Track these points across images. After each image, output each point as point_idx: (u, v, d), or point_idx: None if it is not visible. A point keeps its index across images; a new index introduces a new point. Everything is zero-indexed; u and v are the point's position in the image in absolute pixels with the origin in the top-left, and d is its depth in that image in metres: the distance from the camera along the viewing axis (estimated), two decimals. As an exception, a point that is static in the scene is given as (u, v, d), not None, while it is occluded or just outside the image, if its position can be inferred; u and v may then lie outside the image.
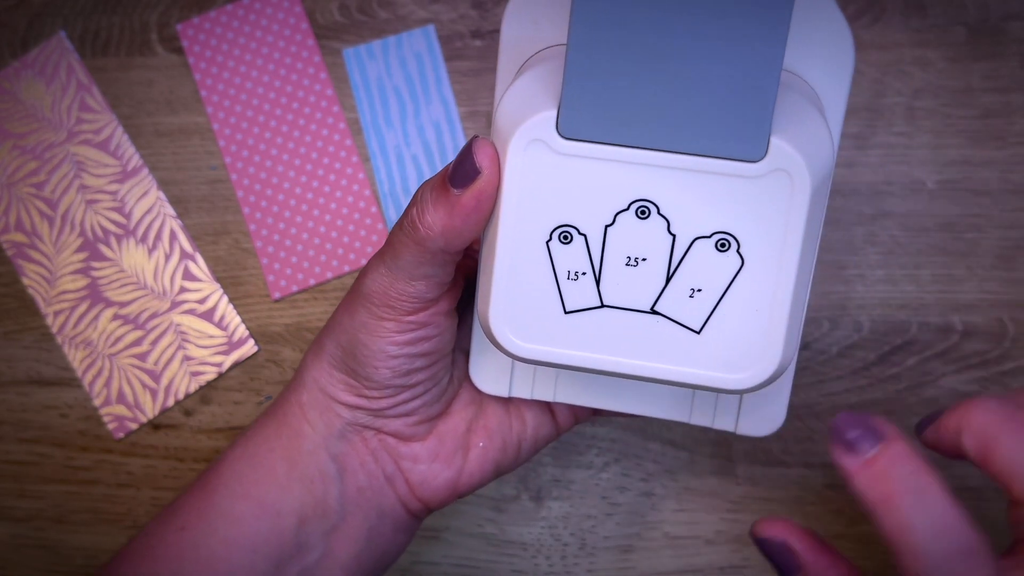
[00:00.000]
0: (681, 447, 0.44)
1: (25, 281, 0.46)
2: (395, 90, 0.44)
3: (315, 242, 0.44)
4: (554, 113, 0.27)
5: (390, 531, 0.36)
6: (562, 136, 0.27)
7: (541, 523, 0.45)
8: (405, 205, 0.44)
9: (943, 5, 0.42)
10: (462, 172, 0.29)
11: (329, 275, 0.45)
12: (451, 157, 0.44)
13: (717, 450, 0.44)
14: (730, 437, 0.44)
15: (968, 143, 0.42)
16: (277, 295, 0.45)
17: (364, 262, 0.44)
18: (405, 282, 0.32)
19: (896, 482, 0.26)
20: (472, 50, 0.44)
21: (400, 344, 0.33)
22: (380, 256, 0.32)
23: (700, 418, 0.35)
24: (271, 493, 0.34)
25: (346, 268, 0.44)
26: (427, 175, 0.44)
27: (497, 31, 0.44)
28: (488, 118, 0.44)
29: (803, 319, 0.30)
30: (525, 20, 0.31)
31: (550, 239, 0.29)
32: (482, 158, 0.28)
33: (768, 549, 0.30)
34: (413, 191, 0.44)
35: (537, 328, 0.30)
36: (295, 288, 0.45)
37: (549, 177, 0.28)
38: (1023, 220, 0.42)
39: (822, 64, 0.30)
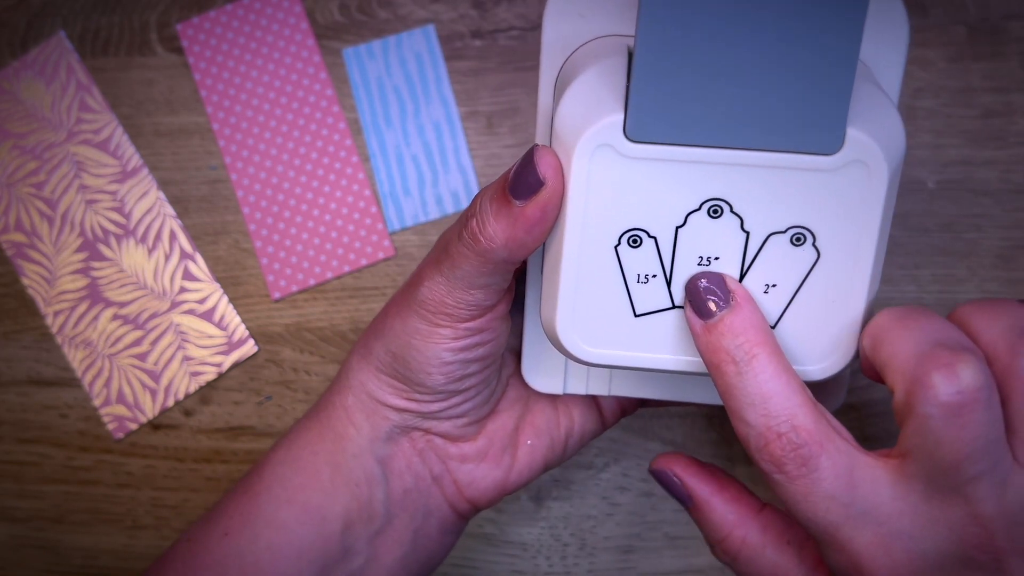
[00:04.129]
0: (681, 447, 0.44)
1: (25, 281, 0.46)
2: (395, 90, 0.44)
3: (315, 242, 0.44)
4: (620, 117, 0.27)
5: (436, 532, 0.36)
6: (630, 139, 0.27)
7: (541, 523, 0.45)
8: (405, 205, 0.44)
9: (943, 5, 0.42)
10: (524, 183, 0.28)
11: (329, 275, 0.45)
12: (451, 157, 0.44)
13: (717, 450, 0.44)
14: (730, 437, 0.44)
15: (968, 143, 0.42)
16: (277, 295, 0.45)
17: (364, 262, 0.44)
18: (464, 291, 0.31)
19: (725, 351, 0.27)
20: (472, 50, 0.44)
21: (455, 350, 0.32)
22: (436, 264, 0.31)
23: None
24: (316, 498, 0.34)
25: (346, 268, 0.44)
26: (427, 175, 0.44)
27: (497, 31, 0.44)
28: (488, 118, 0.44)
29: (873, 308, 0.30)
30: (570, 11, 0.30)
31: (618, 243, 0.28)
32: (545, 168, 0.28)
33: (660, 480, 0.32)
34: (413, 191, 0.44)
35: (606, 333, 0.29)
36: (295, 288, 0.45)
37: (617, 182, 0.27)
38: (1023, 220, 0.42)
39: (877, 43, 0.30)
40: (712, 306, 0.28)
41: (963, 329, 0.27)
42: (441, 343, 0.32)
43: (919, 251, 0.42)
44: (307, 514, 0.34)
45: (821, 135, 0.26)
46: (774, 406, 0.26)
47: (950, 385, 0.24)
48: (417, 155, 0.44)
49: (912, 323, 0.26)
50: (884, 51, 0.30)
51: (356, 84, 0.44)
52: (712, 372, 0.28)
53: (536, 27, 0.43)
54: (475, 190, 0.44)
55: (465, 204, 0.44)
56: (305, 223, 0.44)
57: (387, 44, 0.44)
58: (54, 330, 0.46)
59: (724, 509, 0.31)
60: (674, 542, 0.44)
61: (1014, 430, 0.25)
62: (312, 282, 0.45)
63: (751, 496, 0.31)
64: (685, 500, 0.32)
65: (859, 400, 0.43)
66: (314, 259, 0.45)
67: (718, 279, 0.28)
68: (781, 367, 0.27)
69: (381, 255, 0.44)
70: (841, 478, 0.26)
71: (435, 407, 0.34)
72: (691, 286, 0.28)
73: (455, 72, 0.44)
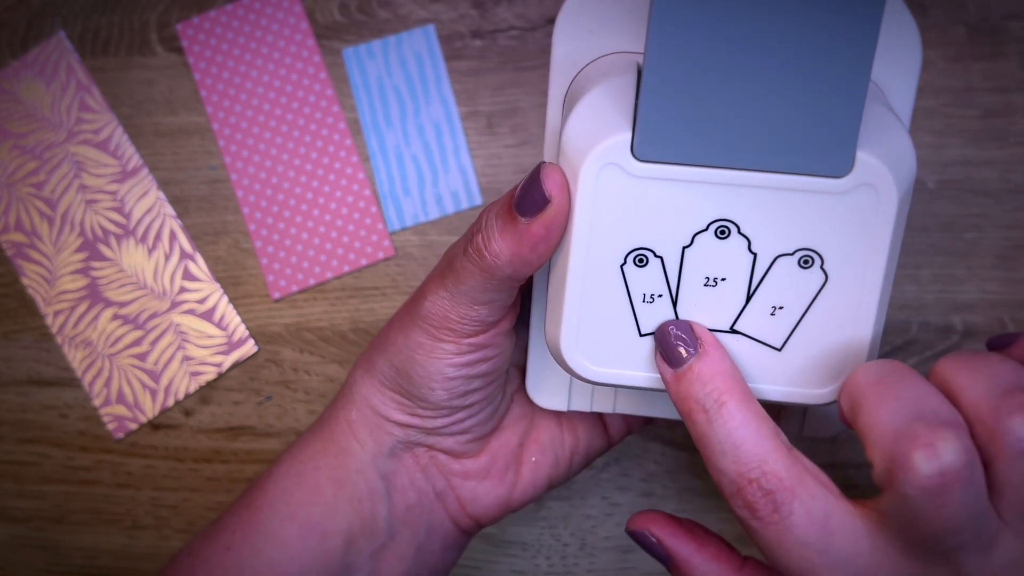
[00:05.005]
0: (682, 447, 0.44)
1: (25, 281, 0.46)
2: (395, 90, 0.44)
3: (315, 242, 0.44)
4: (628, 136, 0.26)
5: (439, 548, 0.36)
6: (637, 159, 0.27)
7: (541, 523, 0.45)
8: (405, 205, 0.44)
9: (943, 5, 0.42)
10: (530, 200, 0.28)
11: (329, 275, 0.45)
12: (451, 157, 0.44)
13: (717, 450, 0.44)
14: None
15: (968, 143, 0.42)
16: (277, 295, 0.45)
17: (364, 262, 0.44)
18: (467, 307, 0.31)
19: (695, 400, 0.27)
20: (472, 50, 0.44)
21: (458, 366, 0.32)
22: (440, 279, 0.31)
23: None
24: (318, 514, 0.34)
25: (346, 268, 0.44)
26: (427, 175, 0.44)
27: (497, 31, 0.44)
28: (488, 118, 0.44)
29: (883, 329, 0.29)
30: (580, 28, 0.30)
31: (624, 263, 0.28)
32: (551, 186, 0.27)
33: (638, 540, 0.32)
34: (413, 191, 0.44)
35: (611, 352, 0.29)
36: (295, 288, 0.45)
37: (623, 201, 0.27)
38: (1023, 220, 0.42)
39: (889, 63, 0.30)
40: (681, 352, 0.28)
41: (944, 389, 0.26)
42: (444, 358, 0.32)
43: (919, 251, 0.42)
44: (309, 530, 0.34)
45: (831, 158, 0.26)
46: (744, 452, 0.26)
47: (930, 466, 0.24)
48: (417, 155, 0.44)
49: (890, 389, 0.26)
50: (897, 72, 0.30)
51: (356, 84, 0.44)
52: (685, 421, 0.28)
53: (536, 27, 0.43)
54: (475, 190, 0.44)
55: (465, 204, 0.44)
56: (305, 223, 0.44)
57: (387, 44, 0.44)
58: (54, 330, 0.46)
59: (705, 568, 0.31)
60: (674, 542, 0.44)
61: (998, 490, 0.25)
62: (312, 282, 0.45)
63: (731, 551, 0.31)
64: (664, 560, 0.31)
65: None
66: (314, 259, 0.45)
67: (686, 326, 0.28)
68: (751, 413, 0.27)
69: (381, 255, 0.44)
70: (815, 524, 0.26)
71: (438, 423, 0.34)
72: (660, 333, 0.28)
73: (455, 72, 0.44)
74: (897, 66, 0.30)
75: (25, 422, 0.46)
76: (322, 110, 0.44)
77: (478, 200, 0.44)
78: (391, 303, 0.45)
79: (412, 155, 0.44)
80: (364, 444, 0.34)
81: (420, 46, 0.44)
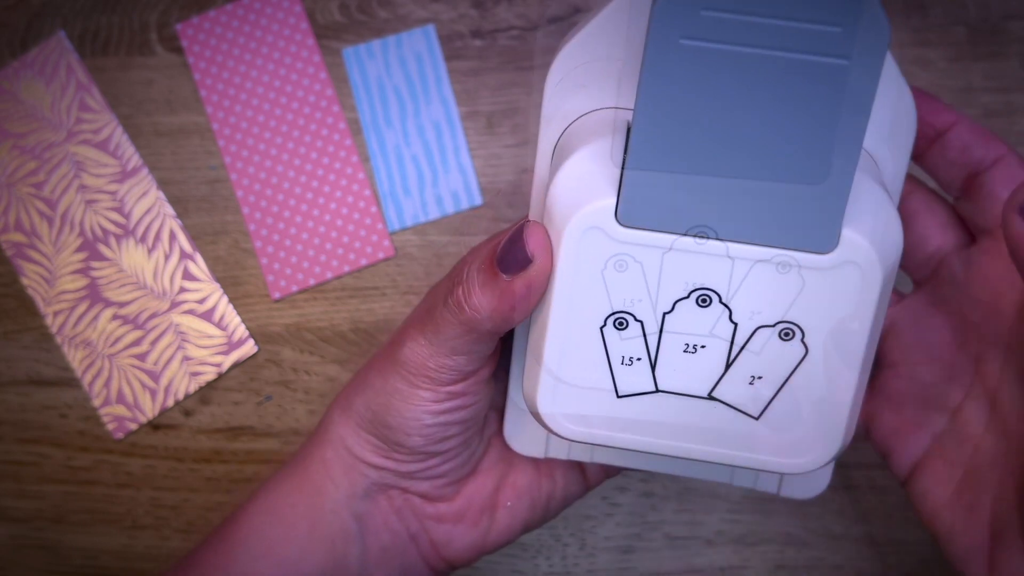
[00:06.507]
0: (681, 447, 0.44)
1: (24, 281, 0.46)
2: (395, 90, 0.44)
3: (315, 242, 0.44)
4: (612, 201, 0.26)
5: None
6: (621, 224, 0.27)
7: (541, 523, 0.45)
8: (405, 205, 0.44)
9: (943, 5, 0.42)
10: (512, 258, 0.28)
11: (329, 275, 0.45)
12: (451, 157, 0.44)
13: (717, 450, 0.44)
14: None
15: (968, 143, 0.42)
16: (277, 295, 0.45)
17: (364, 262, 0.44)
18: (446, 356, 0.31)
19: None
20: (472, 50, 0.44)
21: (435, 413, 0.32)
22: (420, 326, 0.31)
23: (742, 480, 0.34)
24: (292, 553, 0.34)
25: (346, 268, 0.44)
26: (427, 175, 0.44)
27: (497, 31, 0.44)
28: (488, 118, 0.44)
29: (862, 401, 0.29)
30: (571, 81, 0.30)
31: (604, 324, 0.28)
32: (534, 245, 0.27)
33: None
34: (413, 191, 0.44)
35: (588, 412, 0.29)
36: (295, 288, 0.45)
37: (605, 264, 0.27)
38: (1023, 220, 0.42)
39: (881, 131, 0.29)
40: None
41: None
42: (421, 405, 0.32)
43: (919, 251, 0.42)
44: (282, 569, 0.33)
45: (815, 234, 0.26)
46: None
47: None
48: (417, 155, 0.44)
49: None
50: (889, 140, 0.29)
51: (356, 84, 0.44)
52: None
53: (536, 27, 0.43)
54: (475, 190, 0.44)
55: (465, 204, 0.44)
56: (305, 223, 0.44)
57: (387, 44, 0.44)
58: (54, 330, 0.46)
59: None
60: (674, 542, 0.44)
61: None
62: (312, 282, 0.45)
63: None
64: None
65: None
66: (314, 259, 0.45)
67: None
68: None
69: (381, 255, 0.44)
70: None
71: (413, 467, 0.33)
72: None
73: (455, 72, 0.44)
74: (890, 133, 0.29)
75: (25, 422, 0.46)
76: (322, 110, 0.44)
77: (478, 200, 0.44)
78: (391, 303, 0.45)
79: (412, 155, 0.44)
80: (338, 484, 0.34)
81: (420, 46, 0.44)
